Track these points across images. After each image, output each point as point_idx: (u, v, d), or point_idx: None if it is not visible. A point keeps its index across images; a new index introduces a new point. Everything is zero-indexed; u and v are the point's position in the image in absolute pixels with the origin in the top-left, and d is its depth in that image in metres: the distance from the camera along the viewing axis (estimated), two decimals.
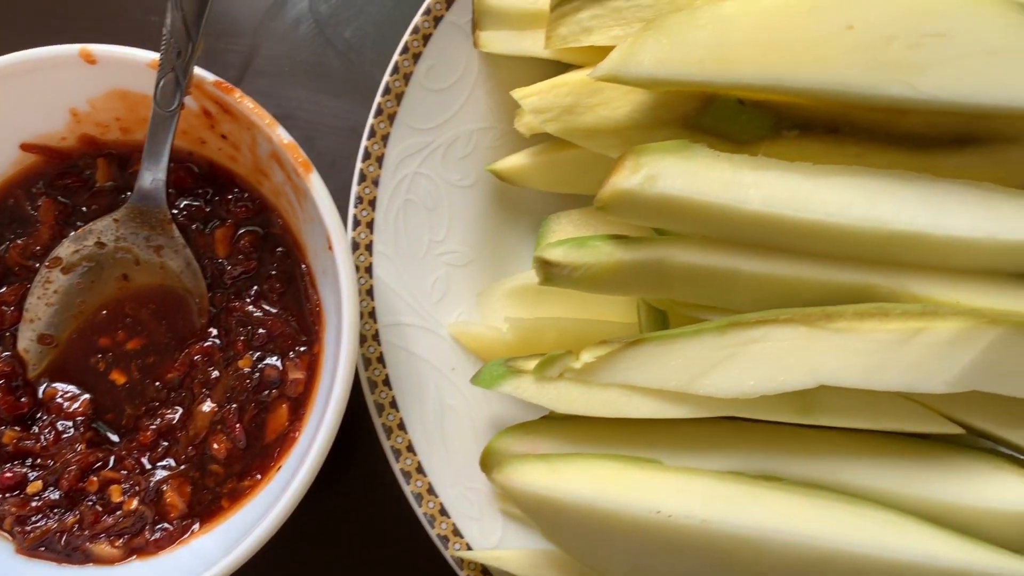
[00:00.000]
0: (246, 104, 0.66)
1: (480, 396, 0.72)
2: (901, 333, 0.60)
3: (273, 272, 0.73)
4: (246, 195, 0.74)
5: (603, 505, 0.60)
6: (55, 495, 0.70)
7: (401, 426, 0.69)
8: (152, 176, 0.70)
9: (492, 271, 0.75)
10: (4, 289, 0.73)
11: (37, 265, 0.73)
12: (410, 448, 0.69)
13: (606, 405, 0.64)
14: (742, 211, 0.61)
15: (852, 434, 0.65)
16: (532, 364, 0.66)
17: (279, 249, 0.74)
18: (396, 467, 0.69)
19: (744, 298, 0.65)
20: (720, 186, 0.61)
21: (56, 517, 0.70)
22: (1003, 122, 0.66)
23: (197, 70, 0.67)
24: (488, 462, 0.67)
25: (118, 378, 0.72)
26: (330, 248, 0.65)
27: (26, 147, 0.74)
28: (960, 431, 0.64)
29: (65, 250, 0.73)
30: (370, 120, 0.72)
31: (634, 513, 0.60)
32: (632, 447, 0.66)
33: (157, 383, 0.72)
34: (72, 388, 0.72)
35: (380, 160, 0.72)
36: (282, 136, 0.66)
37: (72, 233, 0.73)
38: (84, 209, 0.74)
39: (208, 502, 0.70)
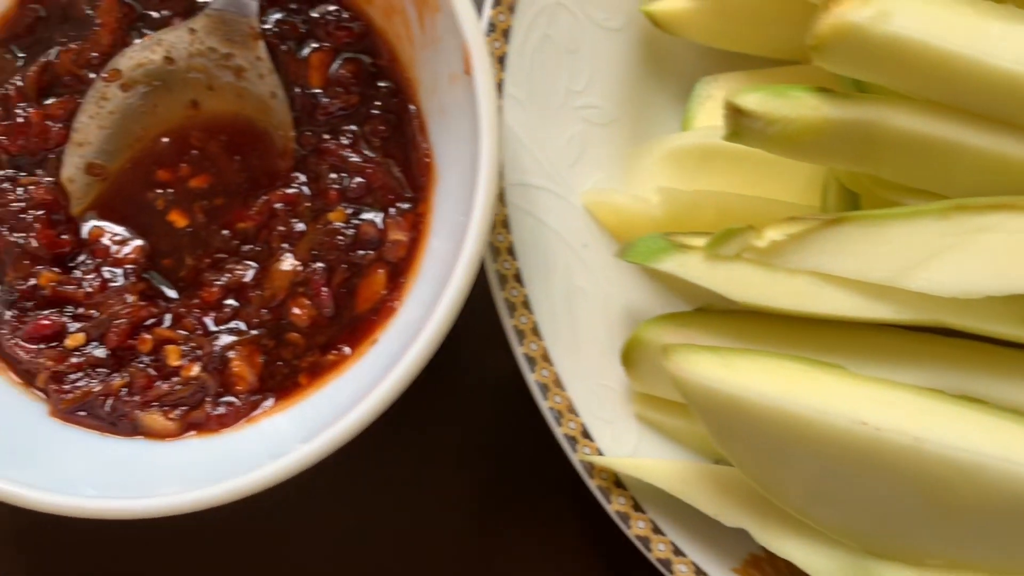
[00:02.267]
0: None
1: (615, 280, 0.60)
2: None
3: (376, 112, 0.61)
4: (346, 15, 0.61)
5: (794, 409, 0.49)
6: (100, 352, 0.58)
7: (526, 304, 0.57)
8: None
9: (633, 136, 0.63)
10: (52, 101, 0.60)
11: (92, 76, 0.60)
12: (535, 331, 0.57)
13: (792, 295, 0.53)
14: (989, 68, 0.49)
15: None
16: (697, 241, 0.54)
17: (383, 85, 0.61)
18: (519, 351, 0.57)
19: (966, 182, 0.53)
20: (964, 34, 0.49)
21: (100, 378, 0.58)
22: None
23: None
24: (633, 355, 0.56)
25: (178, 220, 0.60)
26: (468, 72, 0.52)
27: None
28: None
29: (127, 62, 0.60)
30: None
31: (832, 423, 0.49)
32: (809, 351, 0.54)
33: (225, 231, 0.60)
34: (122, 231, 0.60)
35: None
36: None
37: (136, 42, 0.60)
38: (154, 14, 0.61)
39: (283, 376, 0.58)
